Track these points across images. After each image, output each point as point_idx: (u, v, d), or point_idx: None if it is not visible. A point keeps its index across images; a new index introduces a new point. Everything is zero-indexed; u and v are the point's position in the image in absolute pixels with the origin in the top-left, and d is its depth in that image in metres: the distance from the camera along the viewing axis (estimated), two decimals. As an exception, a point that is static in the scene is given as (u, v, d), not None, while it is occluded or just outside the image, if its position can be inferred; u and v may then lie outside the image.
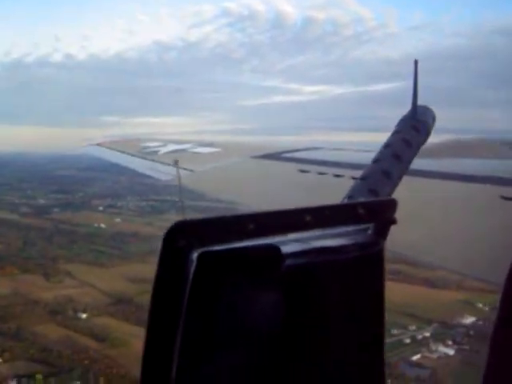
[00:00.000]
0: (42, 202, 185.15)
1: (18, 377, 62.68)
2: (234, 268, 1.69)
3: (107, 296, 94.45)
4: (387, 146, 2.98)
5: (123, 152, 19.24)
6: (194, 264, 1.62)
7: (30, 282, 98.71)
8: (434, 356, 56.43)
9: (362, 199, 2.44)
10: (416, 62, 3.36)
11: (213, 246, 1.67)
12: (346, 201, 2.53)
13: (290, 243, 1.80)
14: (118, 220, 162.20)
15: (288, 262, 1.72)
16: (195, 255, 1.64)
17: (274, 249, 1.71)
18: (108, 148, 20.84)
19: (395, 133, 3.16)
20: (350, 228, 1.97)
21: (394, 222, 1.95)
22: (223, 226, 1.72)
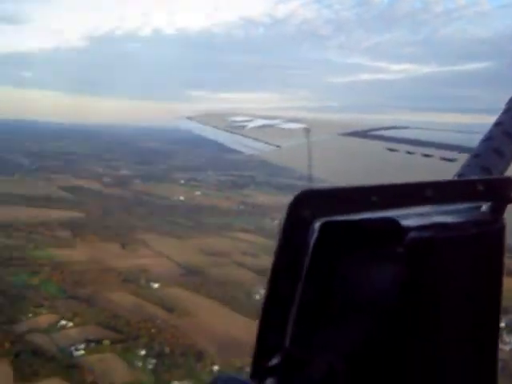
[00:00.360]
0: (124, 172, 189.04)
1: (87, 341, 63.77)
2: (355, 240, 1.64)
3: (180, 267, 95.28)
4: (498, 124, 2.76)
5: (211, 126, 19.11)
6: (316, 233, 1.58)
7: (107, 250, 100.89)
8: (507, 348, 53.33)
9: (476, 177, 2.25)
10: None
11: (335, 217, 1.63)
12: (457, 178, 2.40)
13: (411, 217, 1.79)
14: (197, 193, 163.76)
15: (409, 235, 1.70)
16: (317, 225, 1.59)
17: (396, 222, 1.68)
18: (197, 121, 20.65)
19: (506, 111, 2.89)
20: (466, 205, 1.91)
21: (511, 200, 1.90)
22: (346, 196, 1.69)
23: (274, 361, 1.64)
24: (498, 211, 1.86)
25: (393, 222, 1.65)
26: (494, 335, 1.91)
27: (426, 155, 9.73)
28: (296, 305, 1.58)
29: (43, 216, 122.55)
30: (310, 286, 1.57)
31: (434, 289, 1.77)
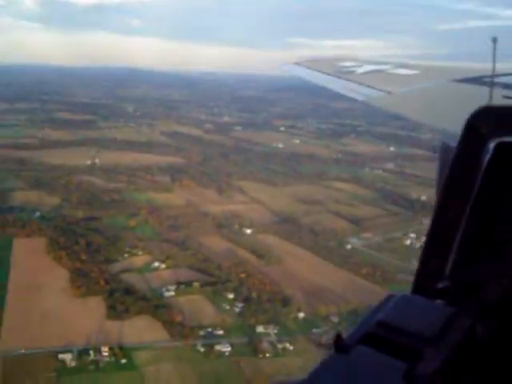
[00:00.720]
0: (226, 119, 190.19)
1: (178, 283, 65.25)
2: None
3: (274, 214, 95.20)
4: None
5: (320, 71, 18.51)
6: (491, 153, 1.52)
7: (204, 195, 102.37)
8: None
9: None
10: None
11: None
12: None
13: None
14: (296, 141, 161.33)
15: None
16: (492, 144, 1.54)
17: None
18: (305, 67, 20.19)
19: None
20: None
21: None
22: None
23: (443, 284, 1.63)
24: None
25: None
26: None
27: None
28: (463, 228, 1.52)
29: (144, 160, 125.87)
30: (477, 206, 1.50)
31: None
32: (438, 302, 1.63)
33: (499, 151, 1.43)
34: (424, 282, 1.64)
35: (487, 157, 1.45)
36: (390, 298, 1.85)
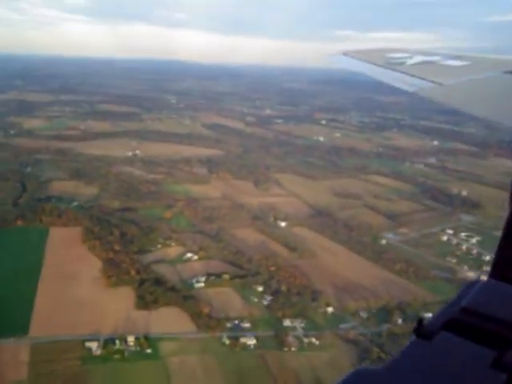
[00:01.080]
0: (268, 112, 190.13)
1: (208, 274, 65.39)
2: None
3: (310, 207, 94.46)
4: None
5: (369, 62, 18.30)
6: None
7: (240, 188, 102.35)
8: None
9: None
10: None
11: None
12: None
13: None
14: (337, 134, 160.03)
15: None
16: None
17: None
18: (354, 57, 19.94)
19: None
20: None
21: None
22: None
23: None
24: None
25: None
26: None
27: None
28: None
29: (184, 152, 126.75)
30: None
31: None
32: None
33: None
34: (501, 271, 1.60)
35: None
36: (472, 284, 1.83)
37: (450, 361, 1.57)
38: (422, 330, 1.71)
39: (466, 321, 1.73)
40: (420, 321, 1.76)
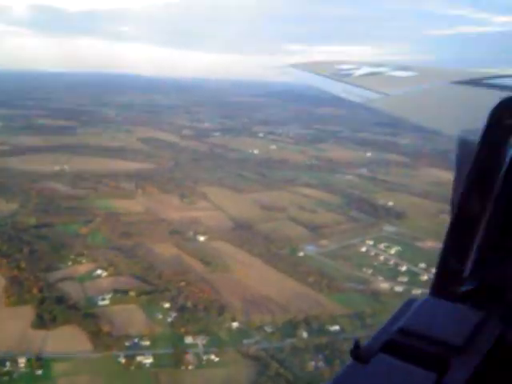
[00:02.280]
0: (206, 125, 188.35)
1: (115, 291, 63.94)
2: None
3: (232, 221, 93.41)
4: None
5: (317, 73, 18.42)
6: None
7: (165, 202, 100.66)
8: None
9: None
10: None
11: None
12: None
13: None
14: (273, 147, 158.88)
15: None
16: None
17: None
18: (302, 69, 20.06)
19: None
20: None
21: None
22: None
23: (466, 286, 1.54)
24: None
25: None
26: None
27: None
28: (485, 226, 1.43)
29: (114, 167, 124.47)
30: (502, 203, 1.40)
31: None
32: (462, 305, 1.55)
33: None
34: (443, 284, 1.59)
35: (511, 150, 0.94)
36: (410, 302, 1.74)
37: None
38: (359, 353, 1.66)
39: (404, 342, 1.68)
40: (356, 343, 1.71)
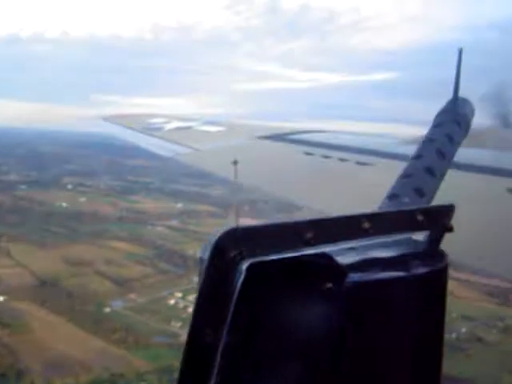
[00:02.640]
0: (12, 177, 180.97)
1: None
2: (286, 279, 1.51)
3: (36, 278, 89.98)
4: (430, 140, 2.81)
5: (127, 127, 18.54)
6: (243, 275, 1.44)
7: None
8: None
9: (406, 199, 2.31)
10: (460, 51, 3.24)
11: (265, 255, 1.50)
12: (387, 200, 2.38)
13: (346, 252, 1.71)
14: (82, 199, 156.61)
15: (347, 273, 1.60)
16: (245, 266, 1.47)
17: (330, 258, 1.58)
18: (112, 123, 19.98)
19: (436, 126, 2.96)
20: (403, 236, 1.83)
21: (451, 229, 1.80)
22: (276, 233, 1.57)
23: None
24: (435, 241, 1.77)
25: (326, 258, 1.53)
26: (435, 380, 1.79)
27: (342, 159, 10.46)
28: (220, 353, 1.41)
29: None
30: (234, 333, 1.41)
31: (370, 331, 1.63)
32: None
33: (251, 272, 1.37)
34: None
35: (240, 279, 1.37)
36: None
37: None
38: None
39: None
40: None
